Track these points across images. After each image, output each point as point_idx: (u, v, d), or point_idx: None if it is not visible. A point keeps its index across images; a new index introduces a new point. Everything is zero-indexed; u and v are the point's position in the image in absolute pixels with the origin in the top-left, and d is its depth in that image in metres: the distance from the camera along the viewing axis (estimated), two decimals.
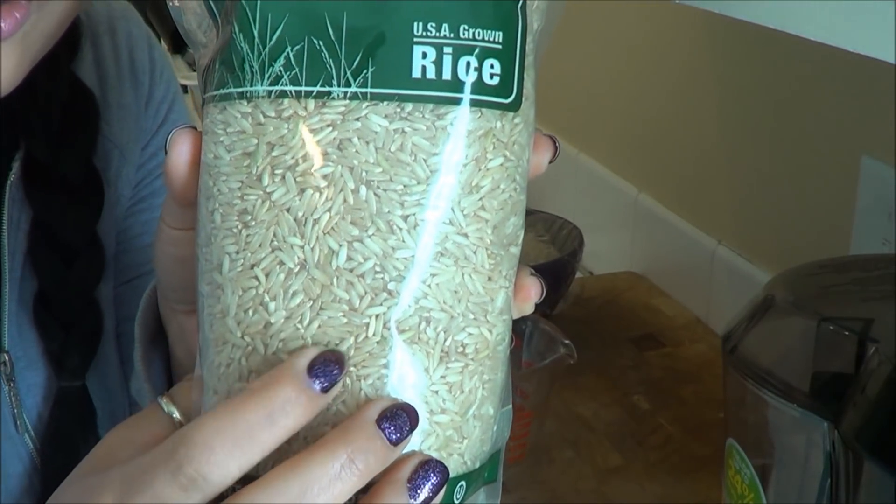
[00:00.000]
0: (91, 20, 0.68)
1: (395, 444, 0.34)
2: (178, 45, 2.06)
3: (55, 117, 0.61)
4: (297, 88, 0.35)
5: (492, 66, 0.35)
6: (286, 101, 0.35)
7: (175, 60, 1.99)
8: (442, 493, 0.35)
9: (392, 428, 0.34)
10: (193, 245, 0.39)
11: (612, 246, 1.41)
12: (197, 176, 0.37)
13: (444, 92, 0.35)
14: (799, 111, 1.04)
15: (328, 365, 0.34)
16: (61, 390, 0.61)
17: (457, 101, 0.35)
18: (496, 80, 0.36)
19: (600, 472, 0.93)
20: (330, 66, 0.35)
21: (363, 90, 0.35)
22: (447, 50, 0.35)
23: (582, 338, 0.95)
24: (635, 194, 1.36)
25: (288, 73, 0.35)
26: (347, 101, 0.35)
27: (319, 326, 0.35)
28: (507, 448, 0.99)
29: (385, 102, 0.35)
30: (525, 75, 0.37)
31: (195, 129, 0.38)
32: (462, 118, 0.35)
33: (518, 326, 0.97)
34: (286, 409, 0.34)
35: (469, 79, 0.35)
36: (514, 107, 0.37)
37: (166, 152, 0.38)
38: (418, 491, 0.34)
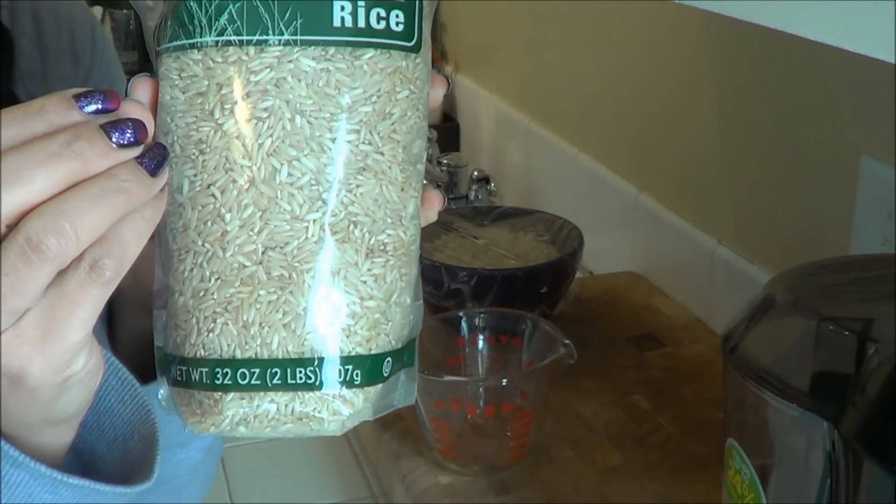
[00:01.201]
0: (35, 3, 0.72)
1: (118, 145, 0.40)
2: None
3: None
4: (240, 38, 0.42)
5: (397, 16, 0.43)
6: (231, 48, 0.42)
7: None
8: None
9: (117, 133, 0.40)
10: None
11: (612, 246, 1.41)
12: (153, 116, 0.44)
13: (360, 37, 0.43)
14: (799, 111, 1.04)
15: (92, 96, 0.41)
16: None
17: (370, 45, 0.43)
18: (401, 28, 0.43)
19: (600, 472, 0.93)
20: (266, 19, 0.42)
21: (294, 38, 0.42)
22: (360, 4, 0.42)
23: (582, 338, 0.95)
24: (635, 194, 1.36)
25: (231, 25, 0.42)
26: (282, 48, 0.42)
27: (268, 233, 0.42)
28: (507, 448, 0.99)
29: (312, 47, 0.42)
30: (423, 24, 0.45)
31: (151, 76, 0.44)
32: (375, 58, 0.43)
33: (518, 326, 0.98)
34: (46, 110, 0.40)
35: (379, 26, 0.43)
36: (416, 49, 0.44)
37: (126, 96, 0.43)
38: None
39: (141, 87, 0.44)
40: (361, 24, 0.42)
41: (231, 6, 0.42)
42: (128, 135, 0.40)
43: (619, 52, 1.39)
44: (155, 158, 0.41)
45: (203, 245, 0.43)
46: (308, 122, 0.42)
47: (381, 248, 0.44)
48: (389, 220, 0.44)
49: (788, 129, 1.06)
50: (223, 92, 0.42)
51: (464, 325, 0.98)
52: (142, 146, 0.41)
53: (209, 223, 0.43)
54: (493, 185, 1.72)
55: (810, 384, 0.59)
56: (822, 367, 0.59)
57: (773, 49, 1.06)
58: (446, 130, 1.96)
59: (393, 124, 0.44)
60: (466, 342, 0.98)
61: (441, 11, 2.09)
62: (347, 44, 0.42)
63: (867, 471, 0.55)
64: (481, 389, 0.91)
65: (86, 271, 0.39)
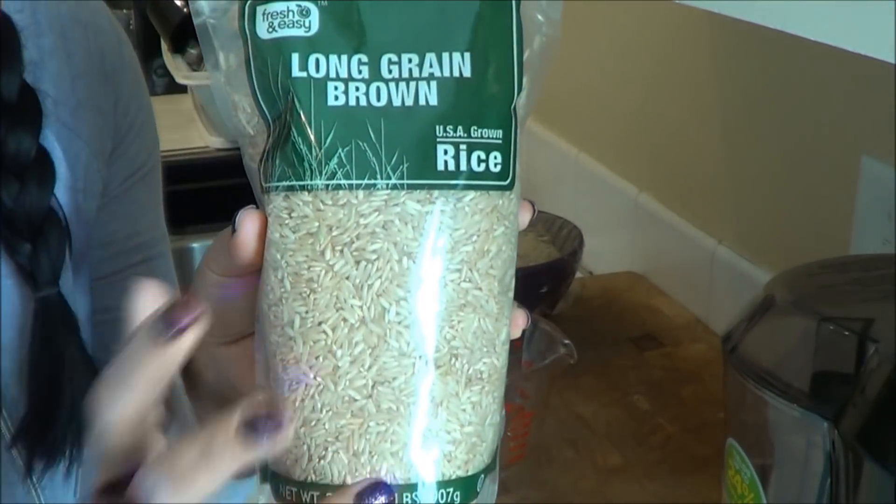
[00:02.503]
0: (61, 14, 0.69)
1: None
2: (178, 45, 2.06)
3: None
4: (349, 182, 0.43)
5: (495, 158, 0.44)
6: (341, 192, 0.44)
7: (175, 60, 1.99)
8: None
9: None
10: (231, 288, 0.49)
11: (612, 246, 1.41)
12: (261, 245, 0.46)
13: (462, 180, 0.44)
14: (799, 111, 1.04)
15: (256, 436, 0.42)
16: (39, 301, 0.65)
17: (472, 188, 0.44)
18: (499, 168, 0.44)
19: (600, 472, 0.93)
20: (374, 163, 0.43)
21: (401, 182, 0.43)
22: (462, 147, 0.44)
23: (582, 338, 0.95)
24: (635, 194, 1.36)
25: (341, 169, 0.43)
26: (389, 191, 0.43)
27: (378, 369, 0.44)
28: (507, 448, 0.99)
29: (417, 191, 0.44)
30: (517, 162, 0.45)
31: (257, 209, 0.46)
32: (475, 199, 0.44)
33: None
34: None
35: (479, 169, 0.44)
36: (511, 186, 0.45)
37: (234, 230, 0.45)
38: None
39: (250, 221, 0.45)
40: (463, 167, 0.44)
41: (341, 150, 0.43)
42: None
43: (620, 53, 1.39)
44: None
45: (315, 378, 0.45)
46: (414, 262, 0.44)
47: (479, 376, 0.46)
48: (486, 350, 0.46)
49: (788, 129, 1.06)
50: (334, 234, 0.44)
51: None
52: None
53: (321, 358, 0.45)
54: None
55: (810, 384, 0.59)
56: (822, 367, 0.59)
57: (773, 49, 1.06)
58: None
59: (490, 260, 0.46)
60: None
61: None
62: (450, 187, 0.44)
63: (867, 471, 0.55)
64: None
65: None
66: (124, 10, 2.31)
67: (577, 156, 1.50)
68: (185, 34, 2.05)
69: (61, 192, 0.67)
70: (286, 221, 0.45)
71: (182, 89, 2.00)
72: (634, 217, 1.36)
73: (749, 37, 1.09)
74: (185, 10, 2.02)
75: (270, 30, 0.45)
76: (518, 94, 0.45)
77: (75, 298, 0.68)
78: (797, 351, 0.61)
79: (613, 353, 1.13)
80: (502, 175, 0.45)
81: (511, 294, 0.48)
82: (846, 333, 0.58)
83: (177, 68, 1.92)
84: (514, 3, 0.45)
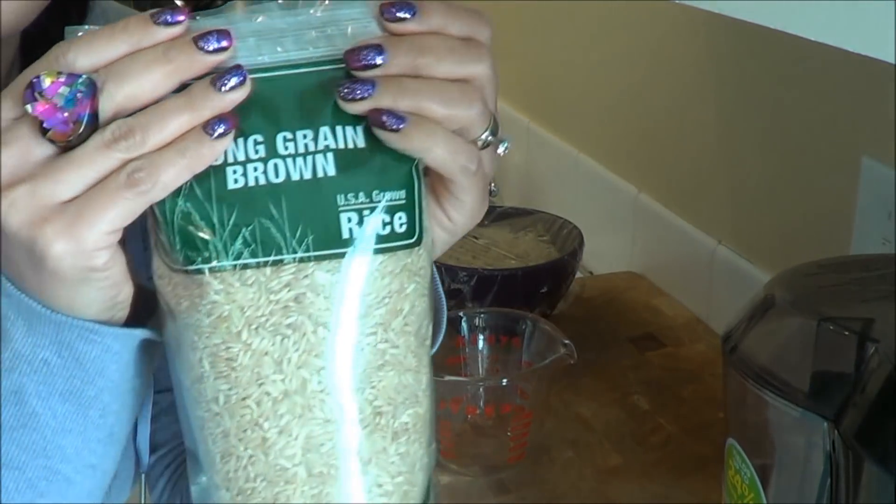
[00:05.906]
0: None
1: (205, 51, 0.44)
2: None
3: None
4: (256, 260, 0.44)
5: (400, 218, 0.45)
6: (248, 271, 0.44)
7: None
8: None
9: (203, 41, 0.44)
10: None
11: (612, 246, 1.41)
12: None
13: (369, 245, 0.44)
14: (799, 111, 1.04)
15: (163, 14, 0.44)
16: None
17: (379, 251, 0.45)
18: (404, 228, 0.45)
19: (600, 472, 0.93)
20: (279, 238, 0.44)
21: (307, 254, 0.44)
22: (366, 213, 0.44)
23: (582, 338, 0.95)
24: (635, 194, 1.36)
25: (247, 248, 0.44)
26: (297, 264, 0.44)
27: (305, 437, 0.45)
28: (507, 448, 0.99)
29: (325, 261, 0.44)
30: (424, 216, 0.46)
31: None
32: (385, 263, 0.45)
33: (518, 326, 0.98)
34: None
35: (384, 232, 0.45)
36: (418, 243, 0.46)
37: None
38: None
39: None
40: (369, 232, 0.45)
41: (244, 230, 0.44)
42: (213, 43, 0.44)
43: (620, 53, 1.39)
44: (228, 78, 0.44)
45: (245, 450, 0.46)
46: (329, 331, 0.45)
47: (404, 428, 0.47)
48: (409, 402, 0.47)
49: (788, 129, 1.06)
50: (247, 314, 0.45)
51: (464, 325, 0.98)
52: (230, 49, 0.44)
53: (249, 431, 0.46)
54: (493, 185, 1.72)
55: (810, 384, 0.59)
56: (822, 367, 0.59)
57: (773, 49, 1.06)
58: None
59: (405, 318, 0.46)
60: (467, 342, 0.98)
61: None
62: (358, 253, 0.44)
63: (867, 471, 0.55)
64: (481, 389, 0.91)
65: (125, 179, 0.42)
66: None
67: (577, 156, 1.50)
68: None
69: None
70: (199, 307, 0.45)
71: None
72: (634, 217, 1.36)
73: (749, 37, 1.09)
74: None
75: None
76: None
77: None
78: (797, 351, 0.61)
79: (613, 353, 1.13)
80: (408, 234, 0.45)
81: (428, 342, 0.49)
82: (846, 333, 0.58)
83: None
84: None
